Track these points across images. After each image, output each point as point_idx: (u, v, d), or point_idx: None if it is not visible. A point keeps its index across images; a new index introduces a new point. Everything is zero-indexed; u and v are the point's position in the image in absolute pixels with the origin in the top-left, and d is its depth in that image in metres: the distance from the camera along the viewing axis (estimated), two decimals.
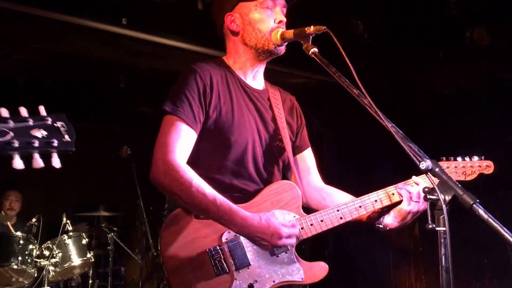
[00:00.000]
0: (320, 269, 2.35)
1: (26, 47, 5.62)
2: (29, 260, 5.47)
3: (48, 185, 8.16)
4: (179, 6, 5.12)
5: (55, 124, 1.66)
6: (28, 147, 1.59)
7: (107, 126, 8.44)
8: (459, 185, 1.74)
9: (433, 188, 1.76)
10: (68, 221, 6.00)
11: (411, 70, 6.40)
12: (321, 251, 6.99)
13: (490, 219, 1.65)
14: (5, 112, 1.59)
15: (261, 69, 2.60)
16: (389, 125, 1.92)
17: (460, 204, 1.70)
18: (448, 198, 1.74)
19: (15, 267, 5.33)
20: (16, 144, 1.56)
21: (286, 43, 2.43)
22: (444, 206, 1.73)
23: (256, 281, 2.23)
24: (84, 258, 5.91)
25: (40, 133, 1.62)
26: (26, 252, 5.47)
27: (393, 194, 2.39)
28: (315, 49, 2.19)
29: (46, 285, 5.60)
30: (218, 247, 2.25)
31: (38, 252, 5.63)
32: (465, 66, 6.03)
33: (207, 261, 2.22)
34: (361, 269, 6.93)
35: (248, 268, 2.24)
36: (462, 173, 2.54)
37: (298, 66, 6.03)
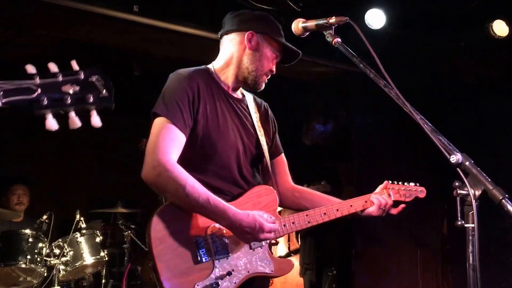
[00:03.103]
0: (288, 265, 2.84)
1: (30, 33, 5.56)
2: (38, 259, 5.45)
3: (61, 180, 8.19)
4: None
5: (89, 79, 1.59)
6: (59, 104, 1.53)
7: (126, 118, 8.46)
8: (489, 179, 1.77)
9: (463, 182, 1.80)
10: (82, 218, 5.97)
11: (435, 60, 6.40)
12: (349, 250, 7.02)
13: None
14: (31, 69, 1.54)
15: (241, 86, 2.94)
16: (417, 117, 1.96)
17: (489, 199, 1.74)
18: (478, 193, 1.78)
19: (23, 266, 5.31)
20: (45, 101, 1.51)
21: (307, 33, 2.58)
22: (474, 201, 1.77)
23: (233, 270, 2.63)
24: (97, 257, 5.89)
25: (72, 89, 1.56)
26: (35, 251, 5.45)
27: (351, 206, 2.95)
28: (339, 39, 2.35)
29: (56, 284, 5.62)
30: (203, 238, 2.60)
31: (48, 251, 5.61)
32: (487, 56, 6.04)
33: (192, 249, 2.57)
34: (388, 268, 6.94)
35: (227, 258, 2.64)
36: (403, 195, 3.14)
37: (321, 55, 6.02)
